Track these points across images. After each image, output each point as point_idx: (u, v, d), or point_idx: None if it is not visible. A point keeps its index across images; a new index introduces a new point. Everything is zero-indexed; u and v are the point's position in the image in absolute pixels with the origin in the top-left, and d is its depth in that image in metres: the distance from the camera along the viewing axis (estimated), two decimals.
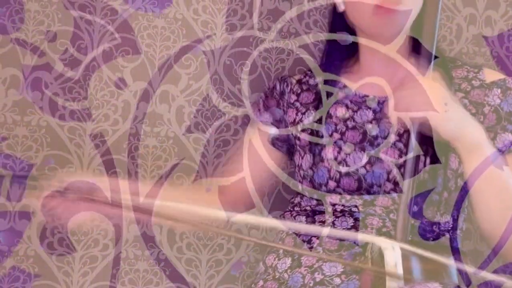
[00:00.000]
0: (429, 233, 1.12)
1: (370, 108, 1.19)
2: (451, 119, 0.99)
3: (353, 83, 1.23)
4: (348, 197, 1.14)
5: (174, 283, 1.42)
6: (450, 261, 0.99)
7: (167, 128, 1.43)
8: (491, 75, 1.18)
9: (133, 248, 1.41)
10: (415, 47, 1.17)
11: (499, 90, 1.14)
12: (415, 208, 1.09)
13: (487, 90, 1.15)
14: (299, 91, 1.27)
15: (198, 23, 1.45)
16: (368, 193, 1.12)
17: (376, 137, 1.15)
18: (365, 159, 1.13)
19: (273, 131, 1.28)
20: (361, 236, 1.06)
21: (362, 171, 1.12)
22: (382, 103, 1.19)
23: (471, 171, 1.02)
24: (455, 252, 1.13)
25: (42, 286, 1.38)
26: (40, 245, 1.38)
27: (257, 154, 1.29)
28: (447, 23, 1.50)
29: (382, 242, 0.94)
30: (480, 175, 1.01)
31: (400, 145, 1.12)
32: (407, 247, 0.94)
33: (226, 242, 1.44)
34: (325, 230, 1.09)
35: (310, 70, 1.32)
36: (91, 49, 1.41)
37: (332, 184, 1.14)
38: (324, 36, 1.34)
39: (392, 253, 0.92)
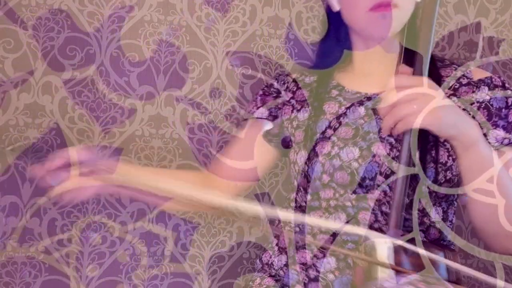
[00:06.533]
0: (419, 225, 1.12)
1: (362, 105, 1.19)
2: (447, 120, 0.98)
3: (347, 81, 1.24)
4: (341, 191, 1.14)
5: (178, 278, 1.46)
6: (439, 258, 0.98)
7: (171, 130, 1.48)
8: (478, 73, 1.18)
9: (139, 245, 1.45)
10: (406, 53, 1.18)
11: (486, 88, 1.15)
12: (407, 201, 1.08)
13: (475, 87, 1.16)
14: (295, 89, 1.28)
15: (201, 29, 1.50)
16: (361, 186, 1.12)
17: (368, 132, 1.15)
18: (357, 153, 1.14)
19: (268, 125, 1.29)
20: (353, 229, 1.07)
21: (355, 165, 1.13)
22: (374, 99, 1.19)
23: (467, 168, 1.02)
24: (444, 247, 1.12)
25: (52, 281, 1.42)
26: (50, 242, 1.42)
27: (249, 147, 1.30)
28: (439, 30, 1.53)
29: (375, 236, 0.96)
30: (476, 171, 1.01)
31: (391, 139, 1.13)
32: (399, 242, 0.94)
33: (228, 239, 1.49)
34: (318, 221, 1.11)
35: (306, 69, 1.34)
36: (99, 54, 1.46)
37: (326, 178, 1.14)
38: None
39: (385, 247, 0.93)
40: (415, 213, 1.11)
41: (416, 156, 1.04)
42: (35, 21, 1.44)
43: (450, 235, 1.14)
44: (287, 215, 1.14)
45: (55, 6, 1.44)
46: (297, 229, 1.17)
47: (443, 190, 1.09)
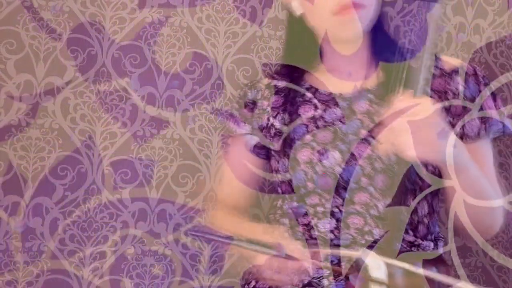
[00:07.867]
0: (408, 224, 1.10)
1: (338, 106, 1.17)
2: (439, 150, 0.95)
3: (319, 82, 1.22)
4: (327, 196, 1.12)
5: (179, 277, 1.47)
6: (434, 274, 0.97)
7: (172, 130, 1.50)
8: (448, 61, 1.17)
9: (140, 244, 1.46)
10: (377, 53, 1.18)
11: (459, 78, 1.13)
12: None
13: (448, 78, 1.14)
14: (269, 96, 1.26)
15: (202, 31, 1.51)
16: (346, 190, 1.11)
17: (346, 134, 1.14)
18: (339, 157, 1.12)
19: (253, 140, 1.25)
20: (347, 253, 1.04)
21: (338, 169, 1.11)
22: (348, 99, 1.17)
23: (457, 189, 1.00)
24: (439, 260, 1.12)
25: (54, 279, 1.44)
26: (52, 241, 1.43)
27: (241, 165, 1.27)
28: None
29: (369, 258, 0.92)
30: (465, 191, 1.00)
31: (371, 139, 1.11)
32: (393, 262, 0.92)
33: None
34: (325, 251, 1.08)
35: (276, 73, 1.31)
36: (100, 55, 1.47)
37: (310, 185, 1.13)
38: None
39: (378, 272, 0.91)
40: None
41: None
42: (37, 23, 1.45)
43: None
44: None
45: (57, 7, 1.46)
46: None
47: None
